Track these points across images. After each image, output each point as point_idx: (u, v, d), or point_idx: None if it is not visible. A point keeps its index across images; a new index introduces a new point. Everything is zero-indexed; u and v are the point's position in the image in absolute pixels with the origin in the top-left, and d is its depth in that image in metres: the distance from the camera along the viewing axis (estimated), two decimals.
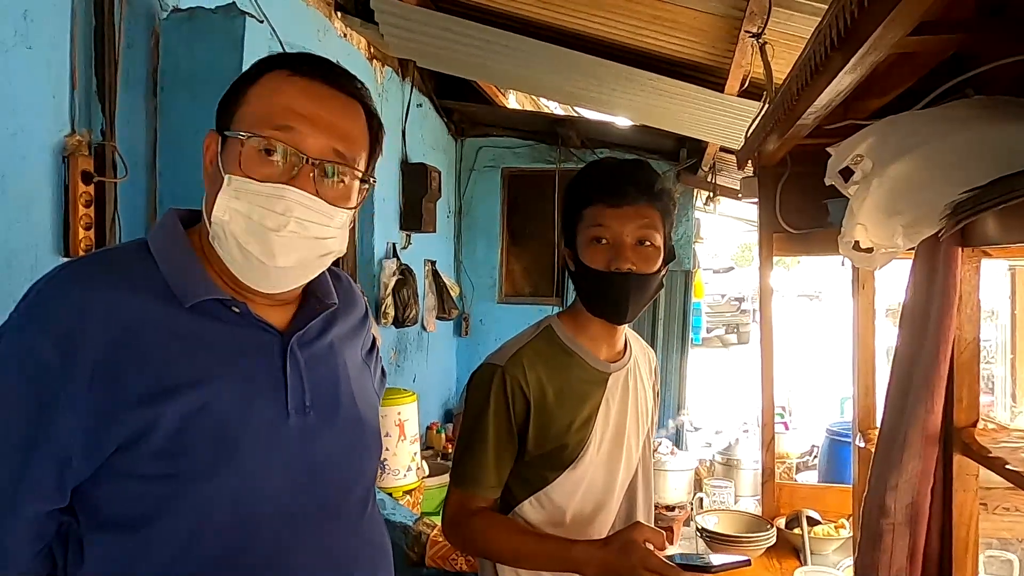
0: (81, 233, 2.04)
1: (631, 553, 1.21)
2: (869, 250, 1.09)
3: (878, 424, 2.02)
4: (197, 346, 0.88)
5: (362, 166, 0.95)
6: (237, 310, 0.91)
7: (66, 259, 2.01)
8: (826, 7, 2.15)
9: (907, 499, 1.15)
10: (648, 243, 1.35)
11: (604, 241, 1.35)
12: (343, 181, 0.91)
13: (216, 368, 0.88)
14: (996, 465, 1.09)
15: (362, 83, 0.98)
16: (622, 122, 5.28)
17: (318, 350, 1.00)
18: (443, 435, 4.76)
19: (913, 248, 1.19)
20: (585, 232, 1.37)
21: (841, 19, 1.02)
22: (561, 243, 1.46)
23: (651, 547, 1.21)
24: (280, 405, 0.92)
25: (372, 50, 4.08)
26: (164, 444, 0.83)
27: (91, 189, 2.07)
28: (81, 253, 2.02)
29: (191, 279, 0.89)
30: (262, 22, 2.46)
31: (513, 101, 5.90)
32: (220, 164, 0.89)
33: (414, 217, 4.53)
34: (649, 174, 1.38)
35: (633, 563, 1.20)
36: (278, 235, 0.86)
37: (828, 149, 1.28)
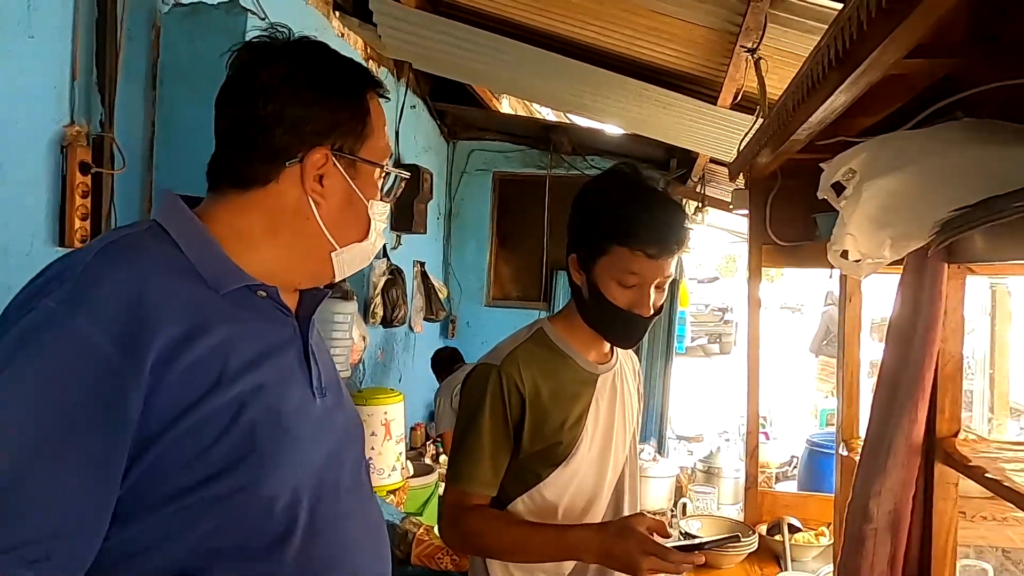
0: (77, 223, 2.04)
1: (629, 536, 1.24)
2: (857, 260, 1.13)
3: (861, 434, 2.06)
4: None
5: None
6: (264, 294, 0.93)
7: (61, 249, 2.01)
8: (821, 25, 2.19)
9: (889, 506, 1.19)
10: (665, 283, 1.40)
11: (632, 285, 1.37)
12: None
13: (259, 351, 0.90)
14: (976, 474, 1.12)
15: None
16: (613, 130, 5.32)
17: (315, 335, 1.03)
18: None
19: (899, 261, 1.22)
20: (613, 268, 1.37)
21: (840, 39, 1.05)
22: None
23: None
24: (307, 386, 0.96)
25: (368, 50, 4.10)
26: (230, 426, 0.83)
27: (88, 180, 2.08)
28: (77, 243, 2.02)
29: (222, 266, 0.88)
30: (264, 19, 2.47)
31: (506, 106, 5.92)
32: (352, 185, 0.96)
33: (405, 218, 4.54)
34: (685, 221, 1.40)
35: (630, 546, 1.23)
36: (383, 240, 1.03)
37: (821, 164, 1.31)
